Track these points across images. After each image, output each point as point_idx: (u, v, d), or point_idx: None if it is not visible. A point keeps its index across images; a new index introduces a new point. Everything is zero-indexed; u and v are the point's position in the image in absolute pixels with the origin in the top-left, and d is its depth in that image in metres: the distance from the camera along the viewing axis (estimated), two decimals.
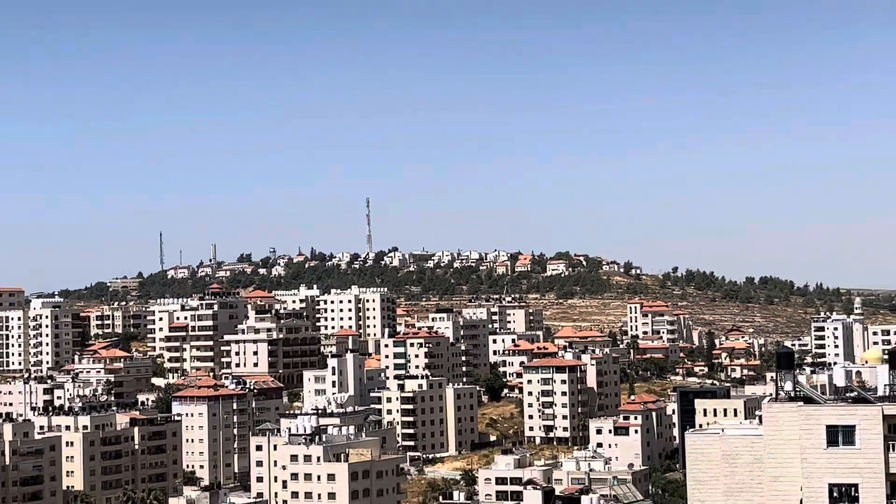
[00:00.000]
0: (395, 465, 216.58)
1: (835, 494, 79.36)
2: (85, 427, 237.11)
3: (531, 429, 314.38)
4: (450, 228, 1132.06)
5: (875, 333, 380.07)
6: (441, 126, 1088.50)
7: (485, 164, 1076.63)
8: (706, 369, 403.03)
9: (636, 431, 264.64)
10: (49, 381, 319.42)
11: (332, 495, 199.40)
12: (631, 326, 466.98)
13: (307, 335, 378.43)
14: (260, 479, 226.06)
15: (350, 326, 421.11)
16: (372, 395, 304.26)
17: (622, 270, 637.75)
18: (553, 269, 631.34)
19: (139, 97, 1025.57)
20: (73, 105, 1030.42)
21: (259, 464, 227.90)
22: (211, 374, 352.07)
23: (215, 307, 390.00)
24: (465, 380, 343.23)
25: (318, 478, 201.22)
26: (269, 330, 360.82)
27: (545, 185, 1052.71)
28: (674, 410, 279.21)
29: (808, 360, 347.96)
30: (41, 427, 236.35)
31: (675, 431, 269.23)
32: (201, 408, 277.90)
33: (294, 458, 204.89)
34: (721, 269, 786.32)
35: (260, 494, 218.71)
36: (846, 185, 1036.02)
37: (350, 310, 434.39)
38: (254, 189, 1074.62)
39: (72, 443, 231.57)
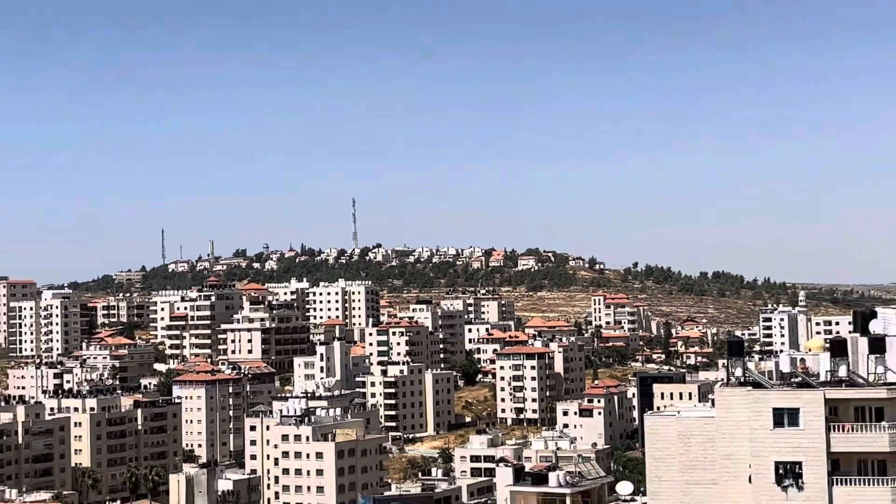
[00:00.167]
0: (378, 444, 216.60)
1: (780, 471, 79.59)
2: (92, 409, 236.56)
3: (503, 411, 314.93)
4: (429, 226, 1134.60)
5: (818, 324, 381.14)
6: (421, 131, 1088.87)
7: (461, 167, 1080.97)
8: (663, 356, 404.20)
9: (599, 413, 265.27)
10: (59, 366, 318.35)
11: (319, 472, 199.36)
12: (595, 317, 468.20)
13: (297, 325, 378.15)
14: (254, 457, 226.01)
15: (337, 316, 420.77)
16: (357, 379, 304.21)
17: (587, 266, 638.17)
18: (524, 264, 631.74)
19: (144, 103, 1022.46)
20: (82, 110, 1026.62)
21: (253, 443, 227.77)
22: (208, 360, 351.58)
23: (213, 298, 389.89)
24: (442, 366, 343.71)
25: (308, 456, 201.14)
26: (262, 320, 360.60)
27: (517, 187, 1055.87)
28: (634, 394, 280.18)
29: (757, 348, 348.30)
30: (51, 409, 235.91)
31: (635, 413, 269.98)
32: (199, 391, 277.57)
33: (285, 437, 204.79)
34: (677, 264, 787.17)
35: (254, 471, 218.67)
36: (793, 189, 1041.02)
37: (337, 301, 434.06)
38: (249, 189, 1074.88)
39: (80, 423, 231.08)
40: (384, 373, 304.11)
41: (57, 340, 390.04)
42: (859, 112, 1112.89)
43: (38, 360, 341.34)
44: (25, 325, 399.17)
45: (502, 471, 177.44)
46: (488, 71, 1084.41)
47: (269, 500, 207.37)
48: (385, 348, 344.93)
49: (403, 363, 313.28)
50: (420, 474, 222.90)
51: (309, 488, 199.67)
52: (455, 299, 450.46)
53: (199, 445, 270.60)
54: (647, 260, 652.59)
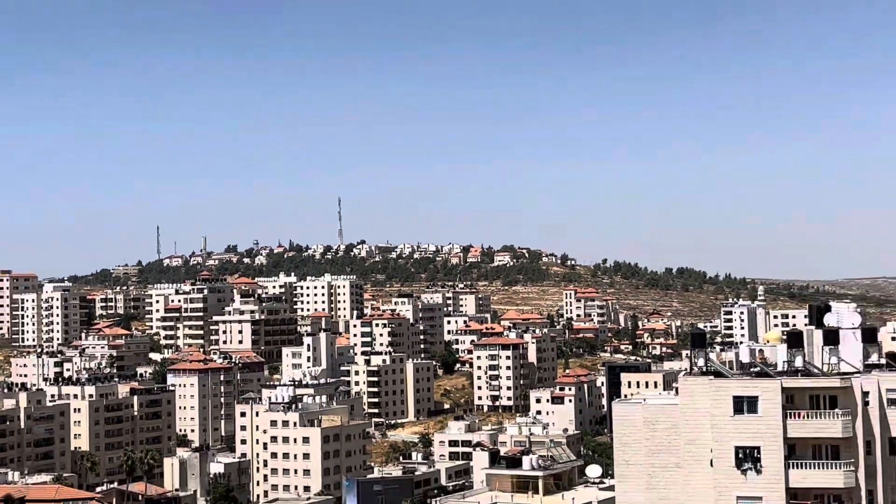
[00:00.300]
0: (361, 429, 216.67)
1: (740, 455, 79.83)
2: (90, 395, 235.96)
3: (480, 398, 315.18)
4: (411, 224, 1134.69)
5: (776, 317, 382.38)
6: (405, 133, 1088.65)
7: (442, 169, 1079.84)
8: (630, 347, 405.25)
9: (570, 401, 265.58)
10: (59, 355, 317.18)
11: (306, 455, 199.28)
12: (566, 310, 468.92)
13: (285, 316, 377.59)
14: (244, 442, 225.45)
15: (323, 309, 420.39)
16: (342, 368, 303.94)
17: (559, 262, 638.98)
18: (500, 260, 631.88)
19: (142, 104, 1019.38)
20: (83, 111, 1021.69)
21: (243, 428, 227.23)
22: (201, 349, 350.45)
23: (205, 292, 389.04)
24: (422, 356, 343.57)
25: (295, 440, 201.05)
26: (252, 312, 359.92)
27: (495, 188, 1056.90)
28: (602, 383, 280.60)
29: (718, 339, 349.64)
30: (52, 395, 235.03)
31: (604, 401, 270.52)
32: (192, 379, 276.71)
33: (273, 423, 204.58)
34: (644, 260, 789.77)
35: (244, 455, 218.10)
36: (752, 189, 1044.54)
37: (323, 294, 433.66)
38: (240, 188, 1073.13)
39: (79, 409, 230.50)
40: (367, 362, 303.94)
41: (57, 331, 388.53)
42: (820, 115, 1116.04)
43: (39, 350, 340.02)
44: (27, 317, 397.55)
45: (479, 455, 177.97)
46: (470, 76, 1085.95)
47: (258, 482, 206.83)
48: (368, 339, 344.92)
49: (386, 353, 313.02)
50: (401, 458, 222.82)
51: (296, 471, 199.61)
52: (435, 293, 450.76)
53: (192, 430, 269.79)
54: (616, 256, 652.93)
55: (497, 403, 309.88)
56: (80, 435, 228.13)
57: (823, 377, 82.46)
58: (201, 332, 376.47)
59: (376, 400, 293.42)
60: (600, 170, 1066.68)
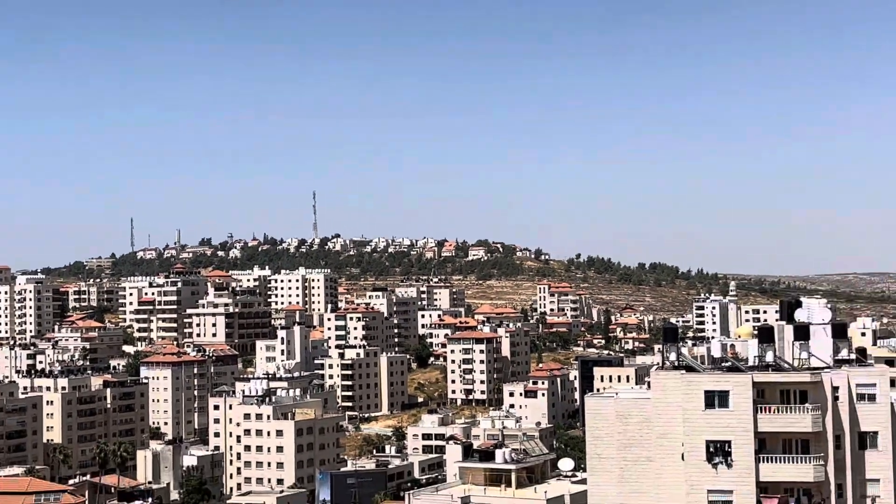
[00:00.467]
0: (335, 422, 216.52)
1: (711, 449, 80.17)
2: (63, 388, 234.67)
3: (453, 392, 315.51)
4: (385, 218, 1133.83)
5: (747, 312, 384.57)
6: (379, 128, 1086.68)
7: (418, 164, 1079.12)
8: (603, 341, 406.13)
9: (543, 394, 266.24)
10: (32, 347, 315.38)
11: (280, 448, 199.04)
12: (540, 304, 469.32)
13: (259, 310, 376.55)
14: (217, 435, 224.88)
15: (297, 302, 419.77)
16: (316, 362, 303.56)
17: (533, 256, 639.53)
18: (474, 255, 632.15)
19: (116, 95, 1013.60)
20: (56, 103, 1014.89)
21: (216, 421, 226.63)
22: (175, 342, 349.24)
23: (179, 284, 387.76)
24: (396, 349, 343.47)
25: (268, 433, 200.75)
26: (226, 305, 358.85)
27: (468, 182, 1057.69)
28: (575, 377, 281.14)
29: (690, 334, 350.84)
30: (24, 388, 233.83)
31: (577, 395, 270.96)
32: (166, 372, 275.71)
33: (247, 416, 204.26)
34: (617, 255, 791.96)
35: (217, 448, 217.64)
36: (724, 185, 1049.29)
37: (297, 288, 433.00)
38: (214, 181, 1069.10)
39: (52, 402, 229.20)
40: (341, 356, 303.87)
41: (30, 323, 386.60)
42: (795, 113, 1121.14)
43: (12, 342, 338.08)
44: (0, 309, 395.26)
45: (452, 448, 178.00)
46: (444, 71, 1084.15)
47: (231, 475, 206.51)
48: (343, 332, 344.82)
49: (360, 347, 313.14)
50: (375, 451, 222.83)
51: (269, 464, 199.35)
52: (409, 287, 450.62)
53: (166, 423, 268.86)
54: (589, 251, 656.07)
55: (470, 397, 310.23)
56: (52, 427, 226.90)
57: (794, 372, 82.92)
58: (175, 324, 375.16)
59: (350, 393, 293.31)
60: (574, 166, 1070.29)
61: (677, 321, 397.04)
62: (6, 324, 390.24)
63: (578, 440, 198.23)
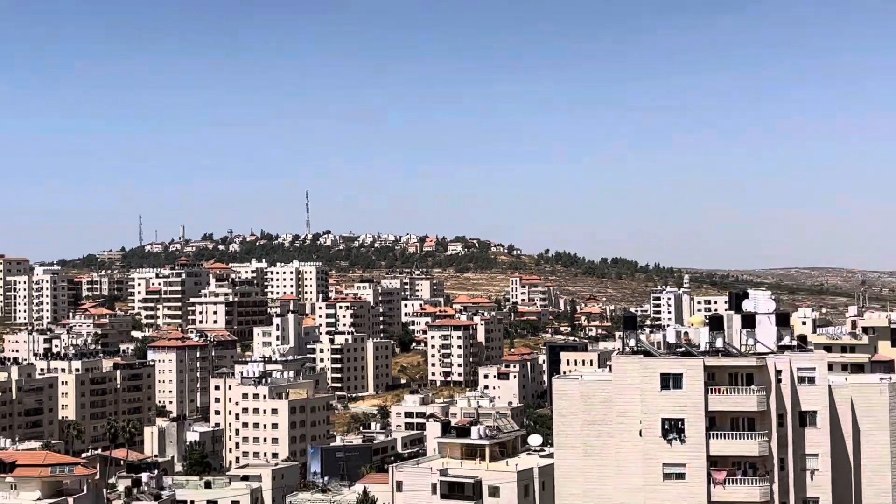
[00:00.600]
0: (325, 401, 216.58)
1: (666, 427, 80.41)
2: (77, 369, 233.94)
3: (433, 374, 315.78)
4: (372, 215, 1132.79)
5: (699, 303, 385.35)
6: (367, 132, 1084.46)
7: (403, 165, 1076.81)
8: (569, 329, 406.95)
9: (514, 377, 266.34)
10: (48, 332, 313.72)
11: (275, 425, 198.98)
12: (512, 295, 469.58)
13: (257, 299, 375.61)
14: (217, 413, 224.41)
15: (291, 292, 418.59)
16: (308, 346, 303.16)
17: (506, 251, 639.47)
18: (452, 250, 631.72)
19: (128, 105, 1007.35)
20: (73, 108, 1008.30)
21: (217, 400, 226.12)
22: (179, 328, 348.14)
23: (183, 275, 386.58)
24: (381, 335, 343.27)
25: (264, 412, 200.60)
26: (226, 294, 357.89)
27: (449, 182, 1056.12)
28: (544, 361, 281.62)
29: (648, 322, 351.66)
30: (41, 369, 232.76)
31: (545, 377, 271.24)
32: (171, 355, 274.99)
33: (245, 395, 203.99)
34: (582, 251, 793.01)
35: (217, 424, 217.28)
36: (680, 186, 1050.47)
37: (291, 279, 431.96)
38: (216, 181, 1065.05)
39: (66, 382, 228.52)
40: (332, 341, 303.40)
41: (47, 310, 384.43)
42: (743, 114, 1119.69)
43: (30, 327, 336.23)
44: (20, 297, 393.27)
45: (432, 425, 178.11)
46: (432, 75, 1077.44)
47: (230, 449, 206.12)
48: (332, 320, 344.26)
49: (348, 333, 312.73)
50: (361, 428, 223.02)
51: (265, 439, 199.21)
52: (393, 279, 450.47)
53: (170, 402, 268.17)
54: (557, 247, 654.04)
55: (449, 379, 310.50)
56: (66, 405, 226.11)
57: (741, 357, 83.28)
58: (179, 312, 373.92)
59: (339, 375, 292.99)
60: (544, 168, 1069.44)
61: (636, 311, 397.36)
62: (25, 311, 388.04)
63: (546, 418, 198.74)
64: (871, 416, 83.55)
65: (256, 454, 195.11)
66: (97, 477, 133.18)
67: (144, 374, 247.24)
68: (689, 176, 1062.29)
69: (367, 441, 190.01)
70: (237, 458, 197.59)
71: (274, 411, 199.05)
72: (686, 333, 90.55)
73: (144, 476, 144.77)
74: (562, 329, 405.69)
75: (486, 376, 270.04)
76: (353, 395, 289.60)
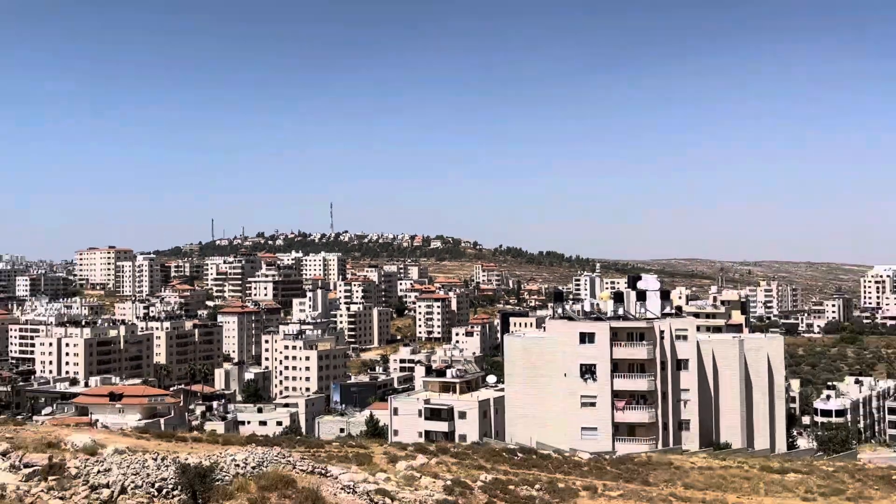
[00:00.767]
0: (343, 351, 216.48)
1: (583, 370, 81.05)
2: (167, 328, 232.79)
3: (420, 332, 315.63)
4: (377, 219, 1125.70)
5: (607, 283, 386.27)
6: (373, 158, 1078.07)
7: (397, 182, 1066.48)
8: (516, 301, 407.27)
9: (477, 334, 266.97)
10: (146, 302, 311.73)
11: (307, 368, 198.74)
12: (475, 277, 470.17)
13: (295, 279, 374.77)
14: (267, 359, 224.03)
15: (320, 274, 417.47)
16: (331, 313, 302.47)
17: (472, 246, 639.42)
18: (434, 245, 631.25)
19: (201, 132, 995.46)
20: (165, 138, 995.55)
21: (266, 350, 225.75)
22: (240, 299, 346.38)
23: (243, 262, 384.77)
24: (383, 305, 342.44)
25: (300, 359, 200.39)
26: (273, 275, 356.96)
27: (431, 196, 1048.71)
28: (498, 323, 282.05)
29: (571, 297, 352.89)
30: (141, 328, 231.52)
31: (499, 335, 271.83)
32: (234, 318, 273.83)
33: (286, 347, 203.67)
34: (525, 245, 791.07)
35: (266, 367, 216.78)
36: (593, 196, 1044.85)
37: (320, 265, 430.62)
38: (267, 193, 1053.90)
39: (159, 337, 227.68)
40: (348, 309, 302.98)
41: (145, 286, 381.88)
42: (633, 129, 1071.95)
43: (133, 298, 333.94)
44: (126, 277, 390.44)
45: (419, 368, 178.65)
46: (431, 96, 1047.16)
47: (276, 385, 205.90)
48: (349, 294, 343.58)
49: (360, 303, 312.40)
50: (369, 370, 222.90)
51: (301, 378, 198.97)
52: (392, 265, 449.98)
53: (233, 351, 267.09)
54: (508, 243, 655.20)
55: (431, 336, 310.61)
56: (159, 353, 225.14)
57: (636, 321, 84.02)
58: (240, 288, 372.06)
59: (353, 333, 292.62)
60: (496, 184, 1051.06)
61: (563, 289, 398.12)
62: (129, 286, 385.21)
63: (499, 363, 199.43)
64: (725, 363, 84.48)
65: (294, 389, 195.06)
66: (181, 404, 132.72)
67: (215, 332, 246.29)
68: (600, 189, 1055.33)
69: (373, 379, 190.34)
70: (280, 392, 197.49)
71: (307, 358, 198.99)
72: (597, 304, 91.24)
73: (215, 404, 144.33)
74: (510, 301, 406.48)
75: (457, 334, 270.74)
76: (363, 347, 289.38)
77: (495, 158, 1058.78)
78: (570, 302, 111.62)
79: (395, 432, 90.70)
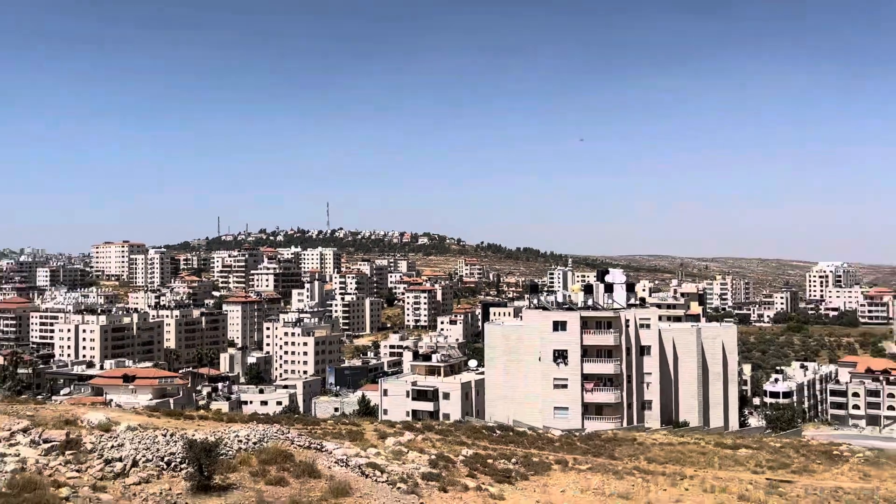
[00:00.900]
0: (338, 338, 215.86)
1: (556, 355, 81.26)
2: (176, 316, 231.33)
3: (408, 321, 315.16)
4: (370, 216, 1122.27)
5: (578, 276, 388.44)
6: (366, 164, 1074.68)
7: (387, 184, 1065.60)
8: (496, 293, 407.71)
9: (460, 323, 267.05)
10: (157, 292, 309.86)
11: (305, 353, 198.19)
12: (459, 271, 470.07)
13: (295, 271, 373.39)
14: (268, 345, 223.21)
15: (317, 267, 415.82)
16: (327, 302, 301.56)
17: (456, 242, 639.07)
18: (422, 241, 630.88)
19: (217, 137, 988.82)
20: (175, 144, 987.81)
21: (267, 336, 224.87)
22: (243, 290, 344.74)
23: (246, 256, 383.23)
24: (375, 296, 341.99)
25: (298, 344, 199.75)
26: (274, 268, 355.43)
27: (418, 197, 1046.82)
28: (479, 313, 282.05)
29: (546, 289, 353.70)
30: (153, 315, 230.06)
31: (480, 323, 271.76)
32: (238, 307, 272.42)
33: (286, 333, 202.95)
34: (505, 241, 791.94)
35: (268, 352, 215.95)
36: (564, 200, 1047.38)
37: (317, 259, 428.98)
38: (268, 193, 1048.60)
39: (169, 324, 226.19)
40: (343, 299, 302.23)
41: (157, 277, 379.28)
42: (613, 127, 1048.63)
43: (145, 288, 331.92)
44: (138, 269, 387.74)
45: (407, 354, 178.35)
46: (419, 105, 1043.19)
47: (276, 368, 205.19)
48: (343, 286, 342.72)
49: (353, 294, 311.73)
50: (361, 355, 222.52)
51: (299, 362, 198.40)
52: (383, 260, 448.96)
53: (238, 337, 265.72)
54: (489, 239, 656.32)
55: (418, 323, 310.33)
56: (169, 339, 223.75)
57: (604, 311, 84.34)
58: (244, 280, 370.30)
59: (347, 321, 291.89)
60: (479, 185, 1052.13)
61: (538, 282, 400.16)
62: (142, 277, 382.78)
63: (480, 349, 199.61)
64: (684, 349, 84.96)
65: (293, 372, 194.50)
66: (189, 385, 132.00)
67: (220, 320, 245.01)
68: (572, 192, 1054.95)
69: (365, 364, 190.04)
70: (280, 374, 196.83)
71: (304, 344, 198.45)
72: (569, 296, 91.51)
73: (220, 385, 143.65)
74: (491, 293, 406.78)
75: (442, 322, 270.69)
76: (356, 334, 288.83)
77: (478, 163, 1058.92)
78: (545, 294, 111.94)
79: (385, 411, 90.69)
